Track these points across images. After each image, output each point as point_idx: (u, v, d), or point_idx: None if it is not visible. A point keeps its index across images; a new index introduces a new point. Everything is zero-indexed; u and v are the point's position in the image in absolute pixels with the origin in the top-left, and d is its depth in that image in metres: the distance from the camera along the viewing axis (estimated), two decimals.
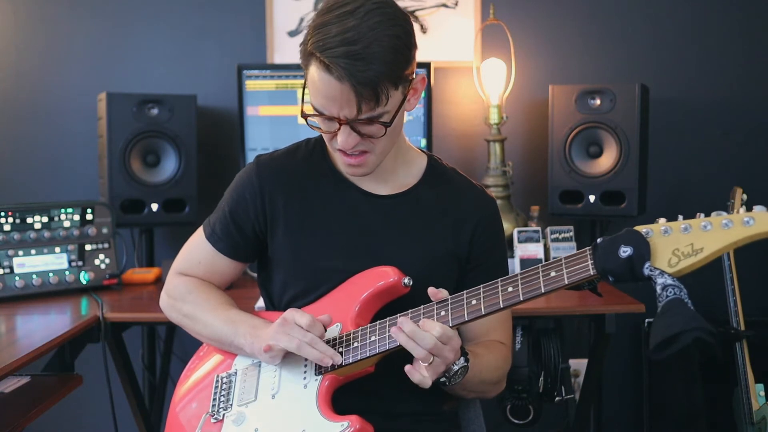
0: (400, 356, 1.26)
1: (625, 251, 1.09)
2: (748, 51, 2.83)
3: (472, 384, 1.33)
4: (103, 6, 2.81)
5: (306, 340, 1.28)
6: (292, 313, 1.32)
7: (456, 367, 1.26)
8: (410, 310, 1.29)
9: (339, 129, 1.28)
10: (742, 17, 2.82)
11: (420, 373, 1.22)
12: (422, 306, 1.28)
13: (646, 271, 1.08)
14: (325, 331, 1.33)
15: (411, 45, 1.29)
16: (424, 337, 1.20)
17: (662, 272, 1.07)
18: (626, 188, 2.46)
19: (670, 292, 1.06)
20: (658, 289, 1.08)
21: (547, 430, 2.58)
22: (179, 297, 1.52)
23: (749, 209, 1.05)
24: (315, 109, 1.29)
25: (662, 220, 1.11)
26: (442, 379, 1.26)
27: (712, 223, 1.06)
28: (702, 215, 1.09)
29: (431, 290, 1.27)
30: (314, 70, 1.24)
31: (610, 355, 2.60)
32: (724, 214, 1.07)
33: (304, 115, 1.31)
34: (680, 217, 1.10)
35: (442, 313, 1.25)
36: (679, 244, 1.07)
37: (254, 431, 1.32)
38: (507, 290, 1.20)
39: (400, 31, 1.25)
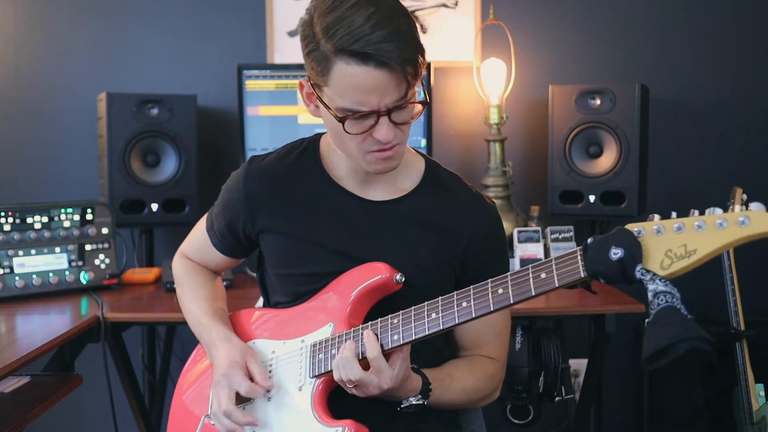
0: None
1: (615, 253, 1.04)
2: (747, 51, 2.83)
3: (443, 406, 1.37)
4: (103, 6, 2.81)
5: (222, 409, 1.31)
6: (225, 377, 1.34)
7: (406, 404, 1.28)
8: (401, 312, 1.26)
9: (376, 123, 1.24)
10: (742, 18, 2.82)
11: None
12: (413, 307, 1.25)
13: (638, 274, 1.03)
14: (250, 401, 1.35)
15: None
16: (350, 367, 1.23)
17: (654, 276, 1.02)
18: (626, 188, 2.46)
19: (662, 300, 1.02)
20: (650, 295, 1.03)
21: (547, 430, 2.58)
22: (177, 280, 1.60)
23: (748, 208, 0.99)
24: (349, 110, 1.23)
25: (656, 218, 1.05)
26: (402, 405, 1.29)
27: (706, 223, 0.99)
28: (696, 213, 1.02)
29: None
30: (344, 68, 1.19)
31: (610, 355, 2.60)
32: (719, 211, 1.00)
33: (341, 119, 1.24)
34: (674, 214, 1.05)
35: (433, 315, 1.22)
36: (672, 245, 1.01)
37: None
38: (497, 292, 1.17)
39: (406, 9, 1.26)
